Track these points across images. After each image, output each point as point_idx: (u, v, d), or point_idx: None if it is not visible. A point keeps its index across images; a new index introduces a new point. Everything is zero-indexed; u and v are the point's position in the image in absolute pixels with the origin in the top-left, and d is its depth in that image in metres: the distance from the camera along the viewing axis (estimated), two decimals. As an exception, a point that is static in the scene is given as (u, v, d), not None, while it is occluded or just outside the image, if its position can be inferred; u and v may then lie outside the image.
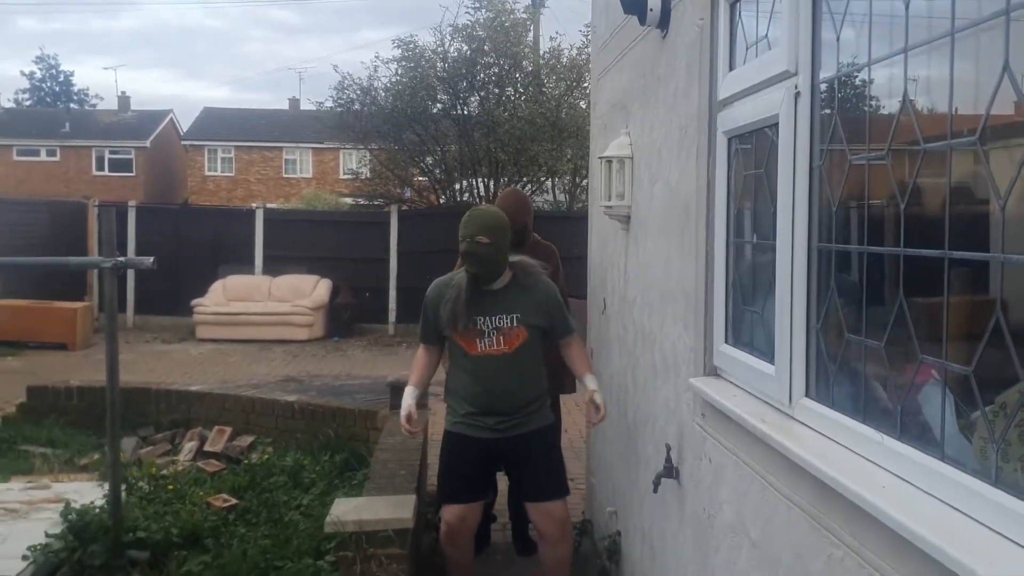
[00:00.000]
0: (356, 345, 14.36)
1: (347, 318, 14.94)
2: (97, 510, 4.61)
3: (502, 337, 4.00)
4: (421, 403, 4.26)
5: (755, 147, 2.71)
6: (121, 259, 4.39)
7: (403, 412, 3.95)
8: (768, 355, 2.56)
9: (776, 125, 2.45)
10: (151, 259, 4.45)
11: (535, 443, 4.11)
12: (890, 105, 1.95)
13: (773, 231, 2.48)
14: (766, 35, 2.62)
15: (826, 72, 2.28)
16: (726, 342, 2.96)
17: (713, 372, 3.07)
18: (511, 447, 4.07)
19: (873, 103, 2.06)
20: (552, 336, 4.18)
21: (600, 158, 4.47)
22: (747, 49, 2.79)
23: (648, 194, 3.91)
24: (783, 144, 2.40)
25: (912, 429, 1.86)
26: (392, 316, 15.21)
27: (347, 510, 3.62)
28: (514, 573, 5.05)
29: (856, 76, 2.11)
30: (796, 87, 2.35)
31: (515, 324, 4.00)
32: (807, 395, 2.35)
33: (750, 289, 2.80)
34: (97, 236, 14.99)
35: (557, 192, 16.14)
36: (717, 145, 2.99)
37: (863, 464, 1.96)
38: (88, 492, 5.22)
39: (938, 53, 1.75)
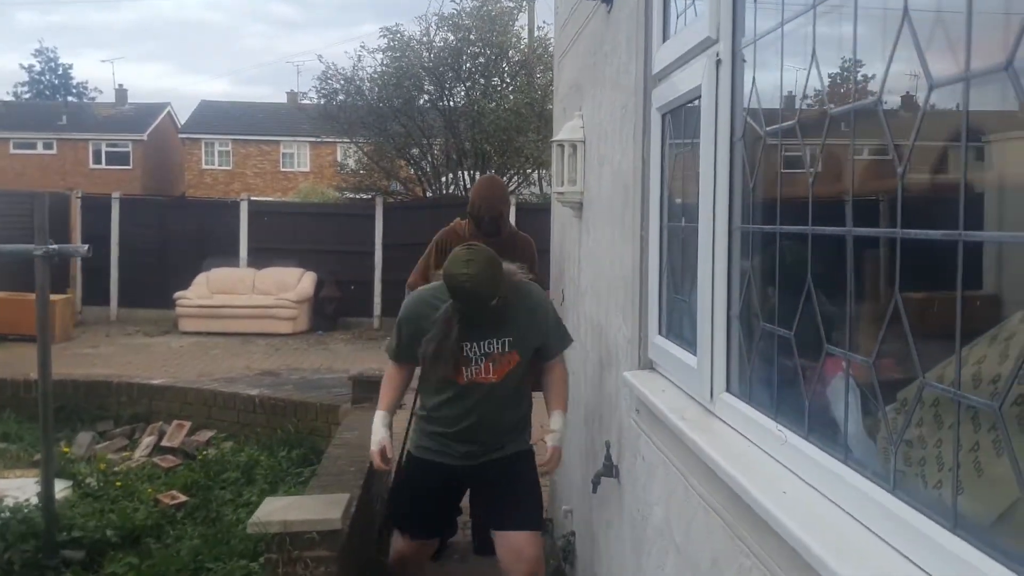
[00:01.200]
0: (339, 339, 14.17)
1: (331, 311, 14.75)
2: (29, 509, 4.43)
3: (491, 364, 3.34)
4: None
5: (684, 122, 2.52)
6: (54, 247, 4.21)
7: (374, 446, 3.36)
8: (693, 346, 2.37)
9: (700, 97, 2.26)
10: (86, 247, 4.29)
11: (508, 467, 3.50)
12: (799, 71, 1.76)
13: (697, 212, 2.29)
14: (694, 1, 2.43)
15: (748, 37, 2.09)
16: (659, 333, 2.77)
17: (648, 365, 2.88)
18: (479, 472, 3.49)
19: (787, 68, 1.86)
20: (541, 355, 3.51)
21: (552, 142, 4.29)
22: (677, 18, 2.60)
23: (597, 177, 3.72)
24: (704, 116, 2.21)
25: (820, 428, 1.67)
26: (377, 309, 15.01)
27: (273, 510, 3.44)
28: (470, 574, 4.86)
29: (769, 39, 1.91)
30: (717, 54, 2.16)
31: (506, 349, 3.34)
32: (728, 389, 2.16)
33: (680, 276, 2.61)
34: (80, 226, 14.82)
35: (544, 184, 15.92)
36: (652, 122, 2.80)
37: (773, 466, 1.78)
38: (31, 488, 5.04)
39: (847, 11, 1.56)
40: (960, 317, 1.16)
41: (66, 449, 5.70)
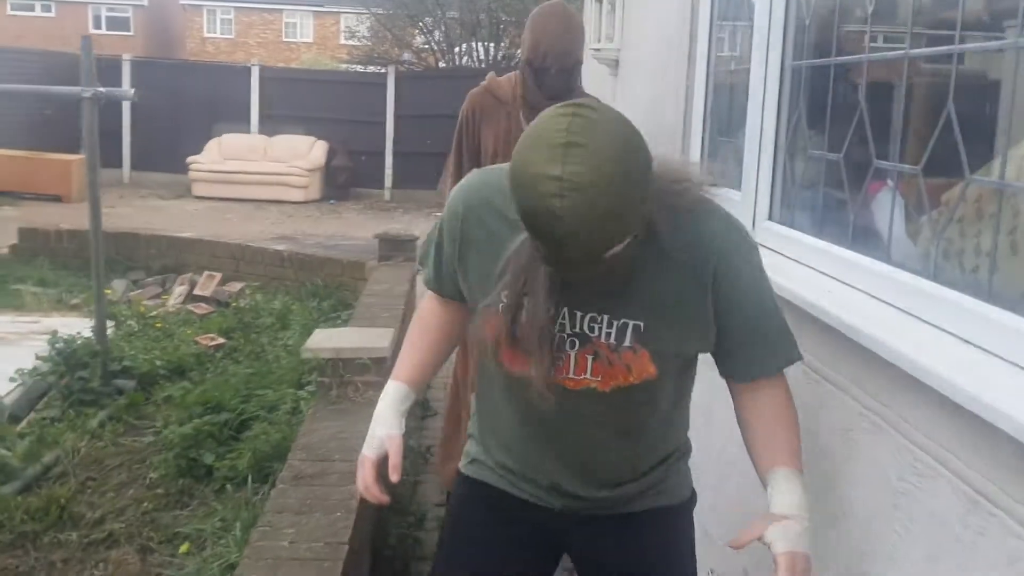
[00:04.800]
0: (352, 208, 14.33)
1: (343, 181, 14.85)
2: (83, 341, 4.70)
3: (590, 359, 1.51)
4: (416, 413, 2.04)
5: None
6: (102, 89, 4.33)
7: (367, 450, 1.61)
8: (736, 184, 2.55)
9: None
10: (132, 91, 4.39)
11: (640, 536, 1.72)
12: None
13: (750, 53, 2.43)
14: None
15: None
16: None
17: (687, 208, 3.06)
18: (584, 531, 1.74)
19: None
20: (733, 370, 1.56)
21: (592, -1, 4.35)
22: None
23: (639, 32, 3.82)
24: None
25: (864, 238, 1.87)
26: (388, 181, 15.11)
27: (324, 338, 3.69)
28: None
29: None
30: None
31: (627, 341, 1.48)
32: (769, 217, 2.35)
33: (727, 118, 2.77)
34: (90, 89, 14.73)
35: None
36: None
37: (817, 277, 1.98)
38: (77, 326, 5.31)
39: None
40: (1011, 118, 1.34)
41: (107, 291, 5.95)
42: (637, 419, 1.58)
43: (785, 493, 1.41)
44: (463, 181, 1.59)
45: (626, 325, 1.45)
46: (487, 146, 2.98)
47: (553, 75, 2.88)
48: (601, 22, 4.16)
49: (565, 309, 1.46)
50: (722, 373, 1.55)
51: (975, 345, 1.37)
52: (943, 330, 1.47)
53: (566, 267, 1.30)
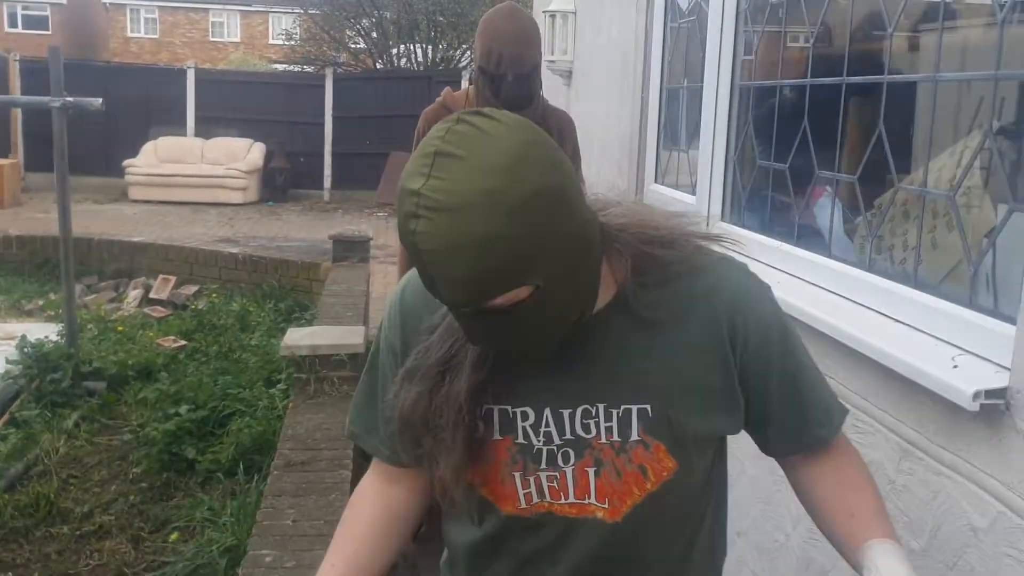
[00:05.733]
0: (291, 210, 14.37)
1: (281, 183, 14.87)
2: (53, 343, 4.80)
3: (598, 476, 1.11)
4: None
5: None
6: (70, 100, 4.44)
7: None
8: (690, 189, 2.85)
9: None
10: (99, 100, 4.51)
11: None
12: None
13: (702, 74, 2.73)
14: None
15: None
16: (655, 181, 3.25)
17: (642, 209, 3.37)
18: None
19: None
20: (783, 444, 1.20)
21: (544, 12, 4.62)
22: None
23: (591, 46, 4.10)
24: (714, -10, 2.62)
25: (807, 236, 2.18)
26: (327, 182, 15.17)
27: (299, 337, 3.90)
28: None
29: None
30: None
31: (636, 433, 1.09)
32: (722, 219, 2.66)
33: (679, 131, 3.08)
34: (20, 90, 14.47)
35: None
36: (655, -3, 3.20)
37: (765, 269, 2.28)
38: (39, 331, 5.39)
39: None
40: (931, 135, 1.66)
41: (54, 296, 6.01)
42: (661, 538, 1.15)
43: (877, 563, 1.06)
44: (397, 287, 1.23)
45: (629, 412, 1.08)
46: None
47: (510, 82, 2.65)
48: (554, 35, 4.44)
49: (547, 411, 1.10)
50: (769, 451, 1.21)
51: (903, 323, 1.68)
52: (877, 312, 1.78)
53: (459, 317, 1.01)
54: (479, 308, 0.95)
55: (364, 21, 16.10)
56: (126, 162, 14.09)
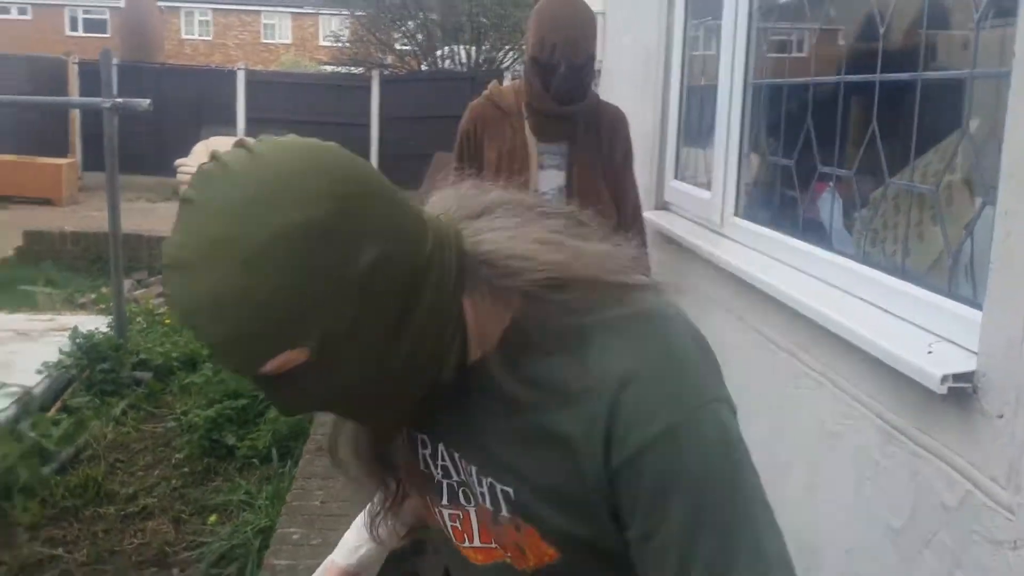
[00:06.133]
0: (338, 208, 14.65)
1: (328, 182, 15.14)
2: (103, 335, 5.01)
3: (476, 522, 0.96)
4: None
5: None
6: (119, 100, 4.64)
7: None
8: (706, 185, 2.93)
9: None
10: (147, 101, 4.69)
11: None
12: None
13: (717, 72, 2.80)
14: None
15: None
16: (675, 178, 3.33)
17: (663, 206, 3.44)
18: None
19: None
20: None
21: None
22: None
23: (618, 47, 4.18)
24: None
25: (810, 230, 2.25)
26: (374, 182, 15.43)
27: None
28: None
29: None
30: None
31: (505, 510, 0.91)
32: (735, 215, 2.73)
33: (696, 128, 3.15)
34: (78, 92, 14.94)
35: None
36: (676, -2, 3.28)
37: (768, 261, 2.36)
38: (91, 323, 5.61)
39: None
40: (915, 137, 1.72)
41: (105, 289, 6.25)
42: None
43: None
44: None
45: (495, 488, 0.90)
46: (490, 162, 2.65)
47: (562, 73, 2.46)
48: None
49: (441, 445, 0.95)
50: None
51: (890, 312, 1.74)
52: (869, 302, 1.84)
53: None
54: (252, 375, 0.80)
55: (409, 23, 16.32)
56: (178, 161, 14.48)
